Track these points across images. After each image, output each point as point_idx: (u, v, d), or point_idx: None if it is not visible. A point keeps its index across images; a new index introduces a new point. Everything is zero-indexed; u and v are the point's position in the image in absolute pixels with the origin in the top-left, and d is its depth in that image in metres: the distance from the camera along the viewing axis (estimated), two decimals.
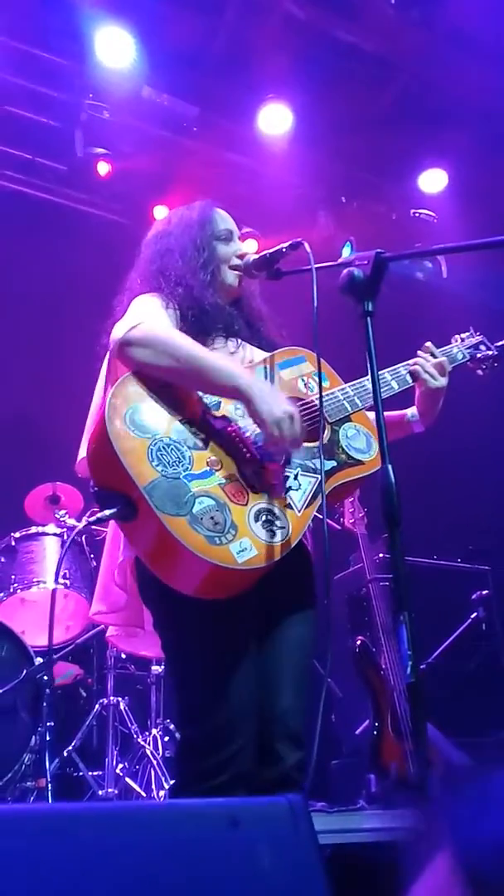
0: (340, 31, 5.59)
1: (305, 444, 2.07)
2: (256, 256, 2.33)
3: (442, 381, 2.38)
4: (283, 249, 2.26)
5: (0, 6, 5.08)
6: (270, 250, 2.30)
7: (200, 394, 2.03)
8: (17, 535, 4.27)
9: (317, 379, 2.17)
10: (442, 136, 6.10)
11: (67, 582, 4.16)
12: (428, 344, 2.46)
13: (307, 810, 1.01)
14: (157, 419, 1.93)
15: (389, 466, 1.68)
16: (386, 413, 2.31)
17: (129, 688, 4.51)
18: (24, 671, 3.55)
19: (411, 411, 2.43)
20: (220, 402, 2.04)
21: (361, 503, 4.39)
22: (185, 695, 2.00)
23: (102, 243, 5.98)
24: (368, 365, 1.83)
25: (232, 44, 5.58)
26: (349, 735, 4.39)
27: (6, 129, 5.74)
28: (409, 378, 2.38)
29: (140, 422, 1.90)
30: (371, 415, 2.20)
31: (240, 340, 2.25)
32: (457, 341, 2.61)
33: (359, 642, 4.07)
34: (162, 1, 5.26)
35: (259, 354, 2.26)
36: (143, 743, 4.15)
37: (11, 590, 4.11)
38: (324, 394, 2.13)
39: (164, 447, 1.88)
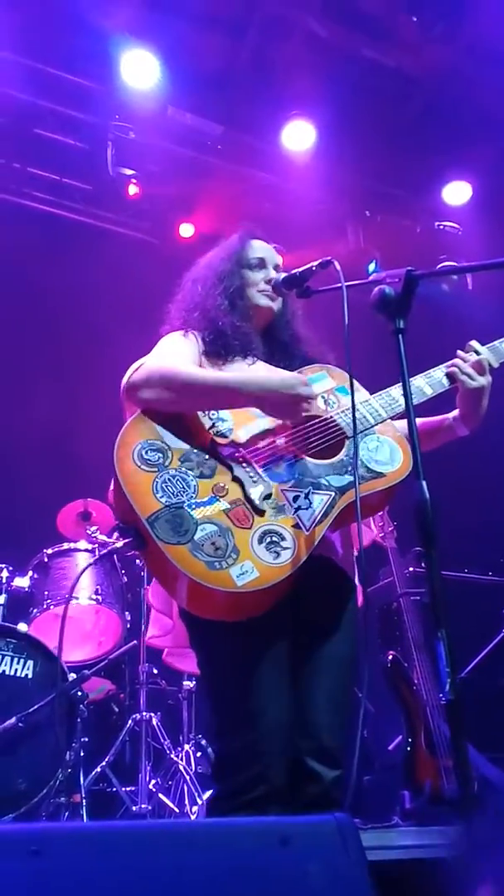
0: (363, 48, 5.63)
1: (321, 462, 2.09)
2: (286, 275, 2.34)
3: (481, 381, 2.27)
4: (313, 268, 2.27)
5: (27, 31, 5.18)
6: (300, 269, 2.31)
7: (209, 424, 2.09)
8: (50, 551, 4.32)
9: (337, 395, 2.21)
10: (465, 149, 6.11)
11: (99, 598, 4.19)
12: (472, 342, 2.37)
13: (355, 829, 1.02)
14: (165, 453, 2.01)
15: (424, 483, 1.68)
16: (427, 419, 2.34)
17: (161, 703, 4.53)
18: (59, 687, 3.57)
19: (454, 414, 2.36)
20: (230, 430, 2.09)
21: (391, 517, 4.38)
22: (217, 711, 2.04)
23: (130, 262, 6.07)
24: (401, 381, 1.84)
25: (255, 62, 5.65)
26: (382, 751, 4.36)
27: (34, 151, 5.85)
28: (445, 381, 2.30)
29: (147, 457, 1.99)
30: (399, 423, 2.22)
31: (254, 359, 2.28)
32: None
33: (390, 657, 4.06)
34: (185, 22, 5.33)
35: (283, 372, 2.29)
36: (175, 758, 4.16)
37: (45, 606, 4.14)
38: (344, 409, 2.16)
39: (169, 479, 1.96)
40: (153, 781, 4.10)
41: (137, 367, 2.13)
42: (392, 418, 2.22)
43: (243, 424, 2.11)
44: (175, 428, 2.06)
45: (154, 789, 4.06)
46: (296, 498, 2.01)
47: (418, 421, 2.22)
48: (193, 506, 1.93)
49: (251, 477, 2.02)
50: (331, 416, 2.17)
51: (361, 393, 2.27)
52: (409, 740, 3.86)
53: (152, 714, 4.27)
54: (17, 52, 5.29)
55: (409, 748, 3.85)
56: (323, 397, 2.22)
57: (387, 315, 1.84)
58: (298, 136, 5.94)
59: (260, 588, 1.85)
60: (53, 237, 5.97)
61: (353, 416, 2.08)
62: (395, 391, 2.23)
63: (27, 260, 5.63)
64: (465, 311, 6.39)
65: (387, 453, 2.13)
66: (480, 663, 4.59)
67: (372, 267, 6.48)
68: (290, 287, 2.34)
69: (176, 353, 2.20)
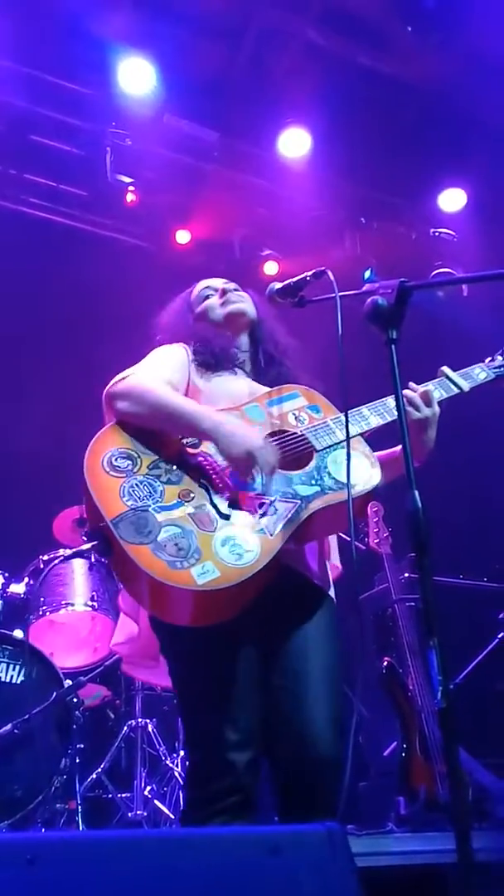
0: (359, 56, 5.66)
1: (289, 472, 2.14)
2: (280, 285, 2.35)
3: (426, 412, 2.30)
4: (308, 278, 2.29)
5: (24, 38, 5.20)
6: (294, 279, 2.32)
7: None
8: (45, 557, 4.32)
9: (308, 412, 2.28)
10: (460, 156, 6.14)
11: (95, 604, 4.20)
12: (443, 368, 2.43)
13: (345, 837, 1.03)
14: (134, 460, 2.10)
15: (416, 493, 1.69)
16: (381, 452, 2.35)
17: (156, 709, 4.53)
18: (54, 693, 3.58)
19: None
20: (199, 441, 2.18)
21: (386, 523, 4.40)
22: (187, 721, 2.11)
23: (126, 268, 6.08)
24: (394, 390, 1.85)
25: (251, 70, 5.68)
26: (377, 757, 4.37)
27: (31, 158, 5.87)
28: (394, 412, 2.30)
29: (116, 464, 2.08)
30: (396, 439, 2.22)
31: (241, 375, 2.39)
32: (490, 361, 2.56)
33: (385, 663, 4.07)
34: (182, 29, 5.36)
35: (260, 390, 2.36)
36: (171, 765, 4.16)
37: (40, 612, 4.15)
38: (312, 424, 2.24)
39: (136, 484, 2.04)
40: (149, 788, 4.11)
41: (122, 377, 2.23)
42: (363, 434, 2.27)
43: None
44: (147, 437, 2.15)
45: (149, 795, 4.07)
46: (261, 505, 2.07)
47: (377, 454, 2.30)
48: (159, 509, 2.00)
49: (218, 484, 2.09)
50: (299, 432, 2.23)
51: (332, 410, 2.33)
52: (405, 746, 3.87)
53: (148, 720, 4.28)
54: (13, 60, 5.31)
55: (404, 754, 3.86)
56: (293, 413, 2.29)
57: (379, 326, 1.85)
58: (294, 144, 5.96)
59: (220, 587, 1.90)
60: (50, 243, 5.99)
61: (346, 421, 2.13)
62: (366, 409, 2.29)
63: (23, 266, 5.64)
64: (459, 317, 6.42)
65: (353, 467, 2.14)
66: (476, 669, 4.60)
67: (367, 274, 6.50)
68: (285, 297, 2.35)
69: (161, 370, 2.30)
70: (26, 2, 5.04)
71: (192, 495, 2.05)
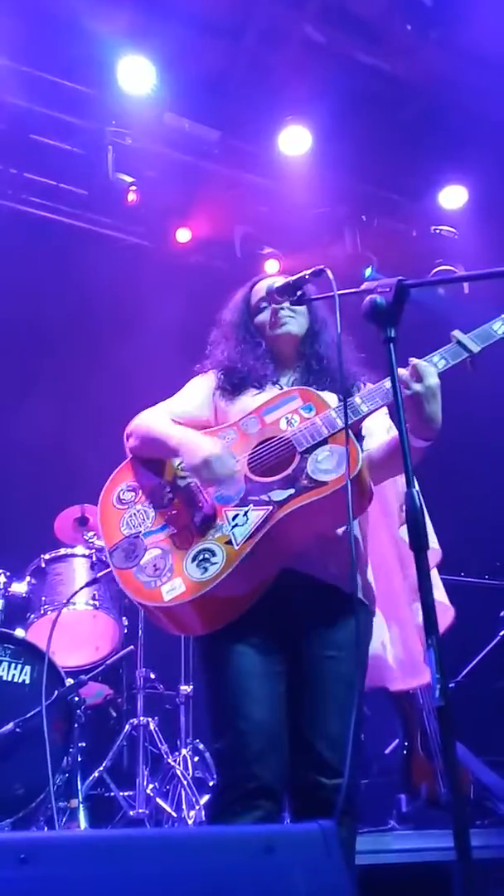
0: (359, 53, 5.65)
1: (267, 479, 2.17)
2: (280, 283, 2.36)
3: (416, 387, 2.13)
4: (306, 276, 2.29)
5: (24, 37, 5.20)
6: (293, 277, 2.33)
7: (178, 461, 2.30)
8: (47, 556, 4.33)
9: (301, 413, 2.29)
10: (461, 153, 6.13)
11: (96, 603, 4.21)
12: (454, 332, 2.30)
13: (339, 836, 1.03)
14: (136, 491, 2.32)
15: (415, 491, 1.68)
16: (383, 440, 2.32)
17: (158, 708, 4.53)
18: (56, 692, 3.58)
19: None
20: None
21: None
22: (209, 712, 2.20)
23: (127, 267, 6.08)
24: (392, 389, 1.85)
25: (251, 68, 5.67)
26: (379, 754, 4.38)
27: (31, 157, 5.87)
28: (386, 394, 2.25)
29: (123, 497, 2.31)
30: (370, 444, 2.33)
31: (263, 388, 2.44)
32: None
33: None
34: (182, 28, 5.35)
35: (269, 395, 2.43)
36: (172, 763, 4.16)
37: (42, 611, 4.16)
38: (302, 425, 2.24)
39: (135, 513, 2.27)
40: (151, 786, 4.11)
41: (134, 420, 2.43)
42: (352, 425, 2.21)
43: None
44: (151, 467, 2.36)
45: (152, 794, 4.07)
46: (235, 516, 2.15)
47: (374, 448, 2.31)
48: (147, 534, 2.21)
49: (199, 503, 2.21)
50: (283, 436, 2.24)
51: (324, 406, 2.27)
52: (406, 744, 3.88)
53: (150, 719, 4.28)
54: (13, 59, 5.30)
55: (405, 752, 3.87)
56: (286, 418, 2.29)
57: (378, 324, 1.85)
58: (295, 141, 5.95)
59: (184, 601, 2.05)
60: (50, 242, 5.99)
61: (346, 424, 2.12)
62: (357, 399, 2.24)
63: (24, 265, 5.65)
64: (460, 314, 6.40)
65: (334, 462, 2.13)
66: (477, 666, 4.60)
67: (368, 272, 6.50)
68: (284, 295, 2.37)
69: (172, 403, 2.49)
70: (26, 1, 5.04)
71: (177, 517, 2.22)
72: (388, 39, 5.58)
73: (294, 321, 2.51)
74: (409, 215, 6.73)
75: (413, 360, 2.24)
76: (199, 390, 2.51)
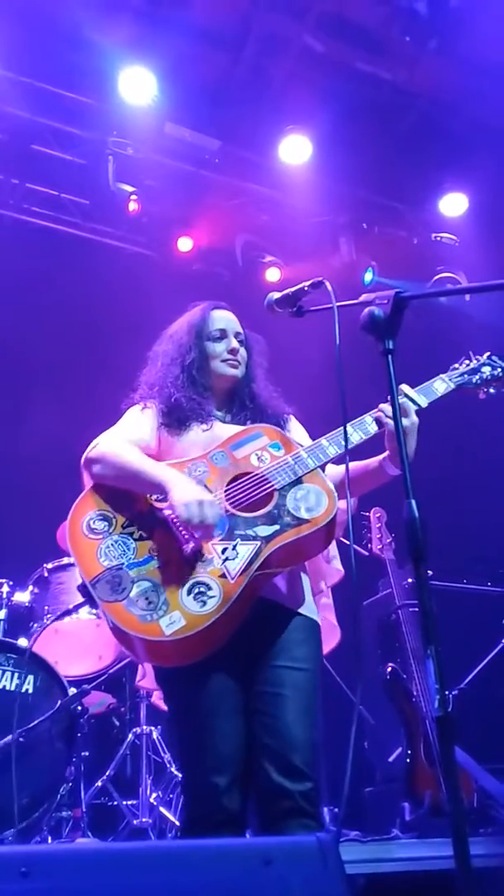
0: (359, 62, 5.69)
1: (250, 514, 2.24)
2: (279, 295, 2.37)
3: (404, 423, 2.28)
4: (305, 288, 2.31)
5: (25, 48, 5.23)
6: (292, 289, 2.34)
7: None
8: (50, 565, 4.33)
9: (270, 451, 2.37)
10: (461, 160, 6.16)
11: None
12: (402, 385, 2.44)
13: (336, 847, 1.04)
14: (110, 521, 2.25)
15: (413, 502, 1.69)
16: (359, 462, 2.44)
17: (161, 717, 4.52)
18: (59, 701, 3.59)
19: (382, 456, 2.43)
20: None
21: (389, 529, 4.41)
22: (175, 747, 2.34)
23: (129, 276, 6.11)
24: (391, 400, 1.86)
25: (251, 77, 5.71)
26: (382, 762, 4.37)
27: (33, 167, 5.90)
28: (373, 427, 2.39)
29: (94, 526, 2.23)
30: (332, 469, 2.41)
31: (210, 423, 2.47)
32: (452, 370, 2.60)
33: (389, 669, 4.07)
34: (182, 39, 5.38)
35: (232, 431, 2.45)
36: (175, 772, 4.16)
37: (45, 620, 4.15)
38: (274, 463, 2.33)
39: (112, 544, 2.19)
40: (154, 795, 4.12)
41: (95, 444, 2.37)
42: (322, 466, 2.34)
43: None
44: (120, 497, 2.29)
45: (155, 803, 4.07)
46: (224, 550, 2.17)
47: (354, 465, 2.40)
48: (132, 566, 2.16)
49: (184, 535, 2.19)
50: (260, 473, 2.31)
51: (292, 446, 2.40)
52: (409, 752, 3.88)
53: (153, 728, 4.28)
54: (15, 70, 5.34)
55: (408, 760, 3.87)
56: (256, 454, 2.37)
57: (375, 336, 1.86)
58: (295, 150, 5.99)
59: (187, 635, 2.04)
60: (52, 252, 6.02)
61: (345, 431, 2.18)
62: (325, 440, 2.36)
63: (26, 275, 5.67)
64: (461, 321, 6.42)
65: (313, 500, 2.25)
66: (481, 674, 4.60)
67: (369, 276, 6.50)
68: (284, 307, 2.37)
69: (129, 432, 2.44)
70: (28, 12, 5.08)
71: (161, 548, 2.19)
72: (387, 48, 5.61)
73: (241, 366, 2.61)
74: (410, 223, 6.76)
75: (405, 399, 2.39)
76: (144, 421, 2.49)
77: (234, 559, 2.16)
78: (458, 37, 5.45)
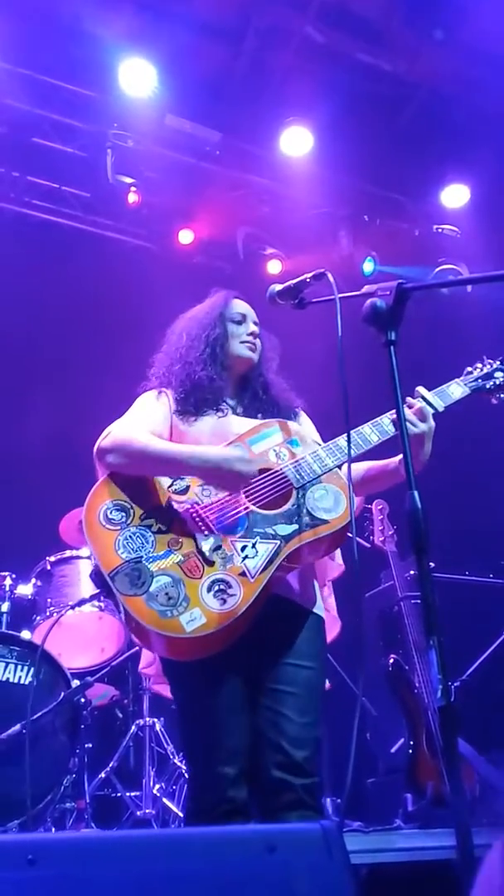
0: (360, 53, 5.67)
1: (269, 512, 2.24)
2: (281, 287, 2.37)
3: (422, 427, 2.36)
4: (308, 280, 2.31)
5: (25, 41, 5.22)
6: (294, 280, 2.34)
7: (168, 483, 2.28)
8: (53, 558, 4.34)
9: (288, 447, 2.37)
10: (463, 152, 6.14)
11: (102, 605, 4.22)
12: (419, 388, 2.46)
13: (340, 835, 1.05)
14: (128, 511, 2.21)
15: (416, 493, 1.69)
16: (373, 463, 2.45)
17: (164, 708, 4.54)
18: (62, 693, 3.60)
19: (398, 458, 2.42)
20: (187, 487, 2.28)
21: (391, 521, 4.41)
22: (184, 738, 2.30)
23: (130, 269, 6.10)
24: (393, 392, 1.86)
25: (252, 69, 5.69)
26: (385, 753, 4.38)
27: (33, 160, 5.90)
28: (391, 428, 2.39)
29: (111, 517, 2.20)
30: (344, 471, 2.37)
31: (226, 412, 2.46)
32: (467, 374, 2.60)
33: (392, 661, 4.08)
34: (183, 30, 5.37)
35: (246, 424, 2.45)
36: (179, 763, 4.18)
37: (48, 613, 4.17)
38: (292, 461, 2.32)
39: (130, 536, 2.16)
40: (157, 786, 4.13)
41: (108, 432, 2.32)
42: (339, 466, 2.33)
43: (199, 483, 2.28)
44: (138, 488, 2.26)
45: (158, 794, 4.09)
46: (244, 548, 2.17)
47: (365, 465, 2.45)
48: (151, 559, 2.13)
49: (203, 531, 2.19)
50: (279, 469, 2.31)
51: (309, 444, 2.41)
52: (411, 743, 3.89)
53: (156, 719, 4.29)
54: (15, 62, 5.33)
55: (411, 751, 3.88)
56: (274, 450, 2.37)
57: (378, 328, 1.86)
58: (296, 142, 5.97)
59: (207, 633, 2.04)
60: (53, 245, 6.01)
61: (349, 432, 2.21)
62: (342, 441, 2.33)
63: (27, 268, 5.67)
64: (464, 315, 6.41)
65: (331, 501, 2.27)
66: (482, 666, 4.60)
67: (371, 266, 6.49)
68: (286, 298, 2.37)
69: (143, 419, 2.40)
70: (28, 4, 5.07)
71: (180, 543, 2.17)
72: (388, 39, 5.60)
73: (258, 349, 2.60)
74: (412, 215, 6.75)
75: (415, 403, 2.40)
76: (158, 408, 2.46)
77: (253, 557, 2.15)
78: (459, 27, 5.43)
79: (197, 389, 2.45)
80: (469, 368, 2.62)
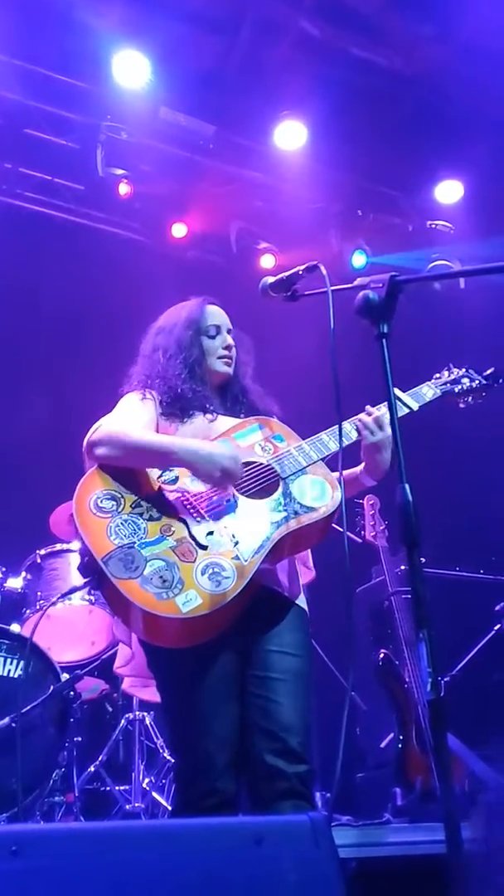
0: (354, 47, 5.65)
1: (258, 501, 2.30)
2: (273, 279, 2.37)
3: (379, 435, 2.44)
4: (300, 272, 2.32)
5: (18, 31, 5.18)
6: (287, 273, 2.35)
7: (158, 473, 2.33)
8: (43, 552, 4.33)
9: (273, 442, 2.44)
10: (456, 147, 6.13)
11: (92, 598, 4.21)
12: (395, 390, 2.46)
13: (328, 827, 1.04)
14: (118, 500, 2.25)
15: (406, 486, 1.69)
16: (345, 472, 2.47)
17: (153, 702, 4.54)
18: (52, 687, 3.59)
19: (361, 467, 2.53)
20: (176, 478, 2.33)
21: (382, 516, 4.41)
22: (171, 730, 2.32)
23: (123, 262, 6.08)
24: (385, 384, 1.85)
25: (247, 62, 5.66)
26: (374, 748, 4.39)
27: (26, 151, 5.86)
28: (353, 434, 2.47)
29: (102, 505, 2.23)
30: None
31: (215, 414, 2.51)
32: (436, 378, 2.79)
33: (382, 655, 4.08)
34: (177, 22, 5.34)
35: (230, 424, 2.50)
36: (168, 757, 4.18)
37: (38, 606, 4.16)
38: (277, 453, 2.40)
39: (121, 523, 2.20)
40: (147, 780, 4.13)
41: (97, 427, 2.36)
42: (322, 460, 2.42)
43: (188, 473, 2.32)
44: (128, 478, 2.30)
45: (148, 788, 4.09)
46: (234, 534, 2.23)
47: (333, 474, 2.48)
48: (143, 545, 2.16)
49: (195, 517, 2.24)
50: (266, 462, 2.38)
51: (294, 438, 2.49)
52: (401, 738, 3.89)
53: (145, 713, 4.29)
54: (7, 53, 5.29)
55: (400, 745, 3.88)
56: (259, 444, 2.44)
57: (370, 320, 1.85)
58: (290, 136, 5.95)
59: (204, 613, 2.06)
60: (45, 237, 5.98)
61: (340, 424, 2.22)
62: (325, 435, 2.44)
63: (19, 260, 5.64)
64: (457, 310, 6.42)
65: (318, 490, 2.34)
66: (472, 660, 4.62)
67: (363, 260, 6.48)
68: (278, 291, 2.37)
69: (130, 416, 2.43)
70: None
71: (172, 529, 2.21)
72: (383, 34, 5.57)
73: (233, 360, 2.66)
74: (405, 210, 6.74)
75: (374, 411, 2.49)
76: (144, 409, 2.48)
77: (244, 542, 2.21)
78: (454, 23, 5.42)
79: (181, 399, 2.50)
80: (437, 374, 2.82)
